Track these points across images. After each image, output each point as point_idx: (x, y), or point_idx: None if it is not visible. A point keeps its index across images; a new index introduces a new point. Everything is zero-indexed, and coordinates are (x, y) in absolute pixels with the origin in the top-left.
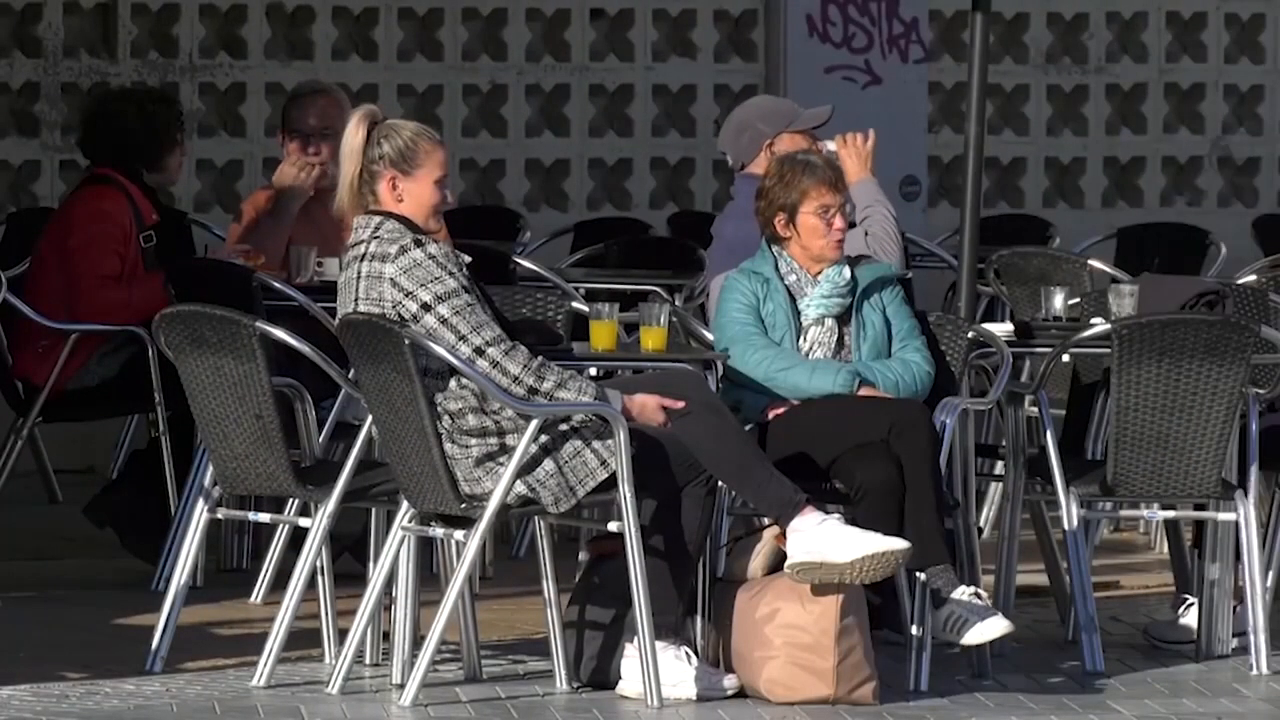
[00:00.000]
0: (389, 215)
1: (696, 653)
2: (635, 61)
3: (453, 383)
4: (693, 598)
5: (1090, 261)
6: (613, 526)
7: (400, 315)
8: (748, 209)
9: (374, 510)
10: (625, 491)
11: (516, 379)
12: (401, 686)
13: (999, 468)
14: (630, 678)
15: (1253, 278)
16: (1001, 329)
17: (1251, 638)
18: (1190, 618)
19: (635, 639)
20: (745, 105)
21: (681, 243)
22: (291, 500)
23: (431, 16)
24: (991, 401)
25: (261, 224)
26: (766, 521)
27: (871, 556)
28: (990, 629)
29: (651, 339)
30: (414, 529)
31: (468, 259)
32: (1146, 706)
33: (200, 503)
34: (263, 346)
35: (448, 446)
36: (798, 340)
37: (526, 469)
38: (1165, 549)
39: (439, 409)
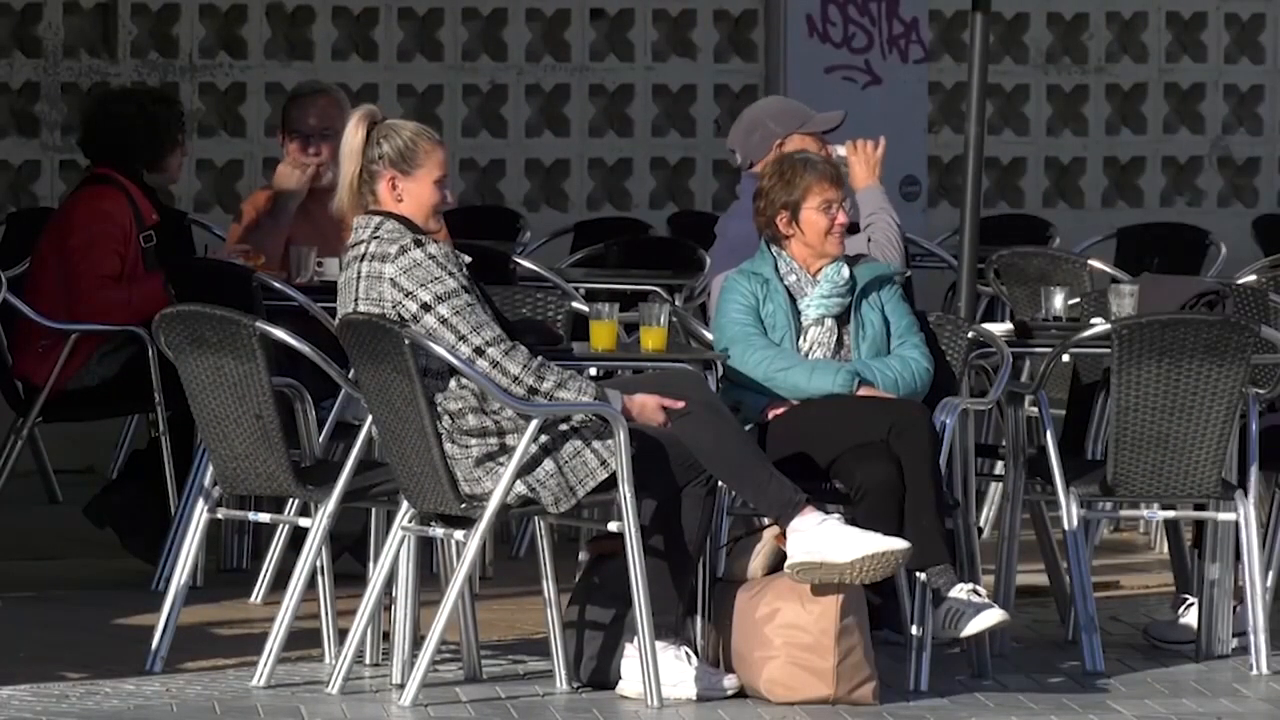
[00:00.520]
0: (389, 215)
1: (696, 653)
2: (635, 61)
3: (453, 383)
4: (693, 598)
5: (1090, 261)
6: (613, 526)
7: (400, 315)
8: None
9: (374, 510)
10: (625, 491)
11: (516, 379)
12: (401, 686)
13: (999, 468)
14: (630, 678)
15: (1253, 278)
16: (1001, 329)
17: (1251, 638)
18: (1190, 618)
19: (635, 639)
20: (757, 104)
21: (681, 243)
22: (291, 500)
23: (431, 16)
24: (991, 401)
25: (261, 224)
26: (766, 521)
27: (871, 556)
28: (986, 619)
29: (651, 339)
30: (414, 529)
31: (468, 259)
32: (1146, 706)
33: (200, 503)
34: (263, 346)
35: (448, 446)
36: (797, 340)
37: (526, 469)
38: (1165, 549)
39: (439, 409)
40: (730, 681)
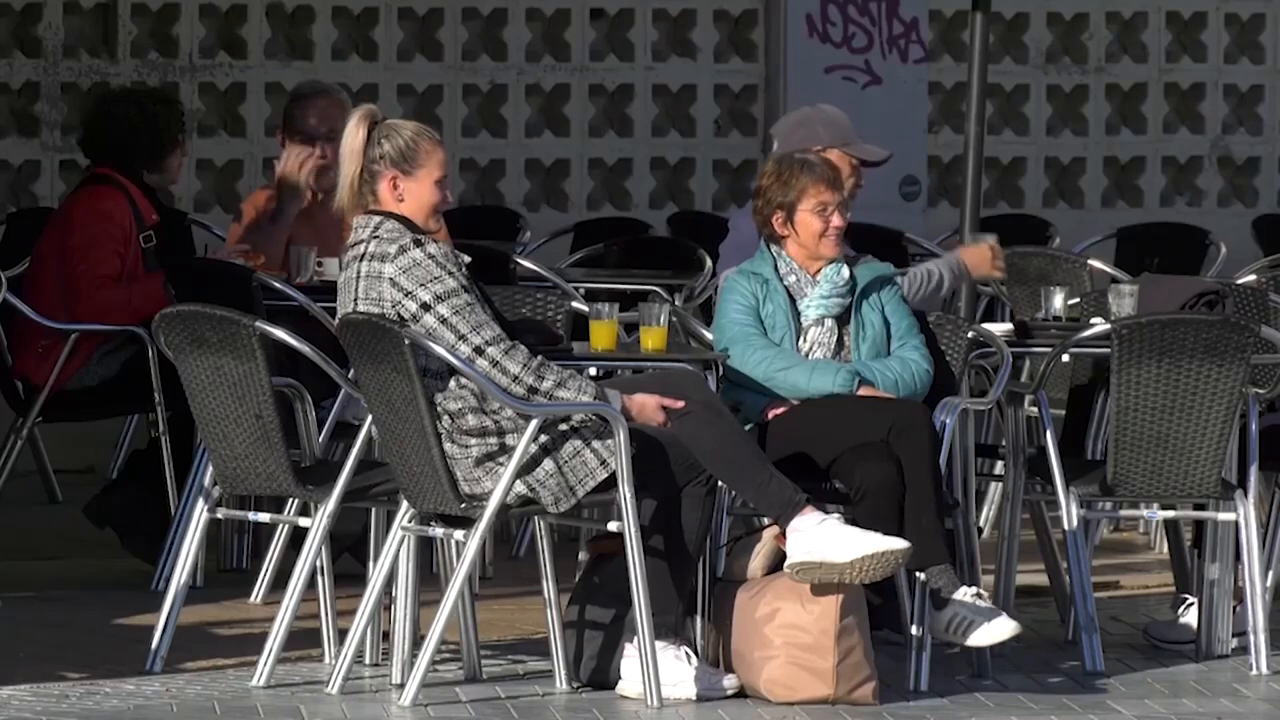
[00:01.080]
0: (389, 215)
1: (696, 653)
2: (635, 61)
3: (452, 382)
4: (693, 598)
5: (1090, 261)
6: (613, 526)
7: (400, 315)
8: None
9: (374, 510)
10: (625, 491)
11: (516, 378)
12: (401, 686)
13: (999, 468)
14: (630, 678)
15: (1253, 278)
16: (1001, 329)
17: (1251, 638)
18: (1190, 618)
19: (635, 639)
20: (816, 107)
21: (681, 243)
22: (291, 500)
23: (431, 16)
24: (991, 401)
25: (261, 225)
26: (766, 521)
27: (871, 556)
28: (998, 630)
29: (651, 339)
30: (414, 529)
31: (468, 259)
32: (1146, 706)
33: (200, 503)
34: (263, 346)
35: (448, 446)
36: (797, 341)
37: (526, 469)
38: (1165, 549)
39: (439, 409)
40: (730, 681)
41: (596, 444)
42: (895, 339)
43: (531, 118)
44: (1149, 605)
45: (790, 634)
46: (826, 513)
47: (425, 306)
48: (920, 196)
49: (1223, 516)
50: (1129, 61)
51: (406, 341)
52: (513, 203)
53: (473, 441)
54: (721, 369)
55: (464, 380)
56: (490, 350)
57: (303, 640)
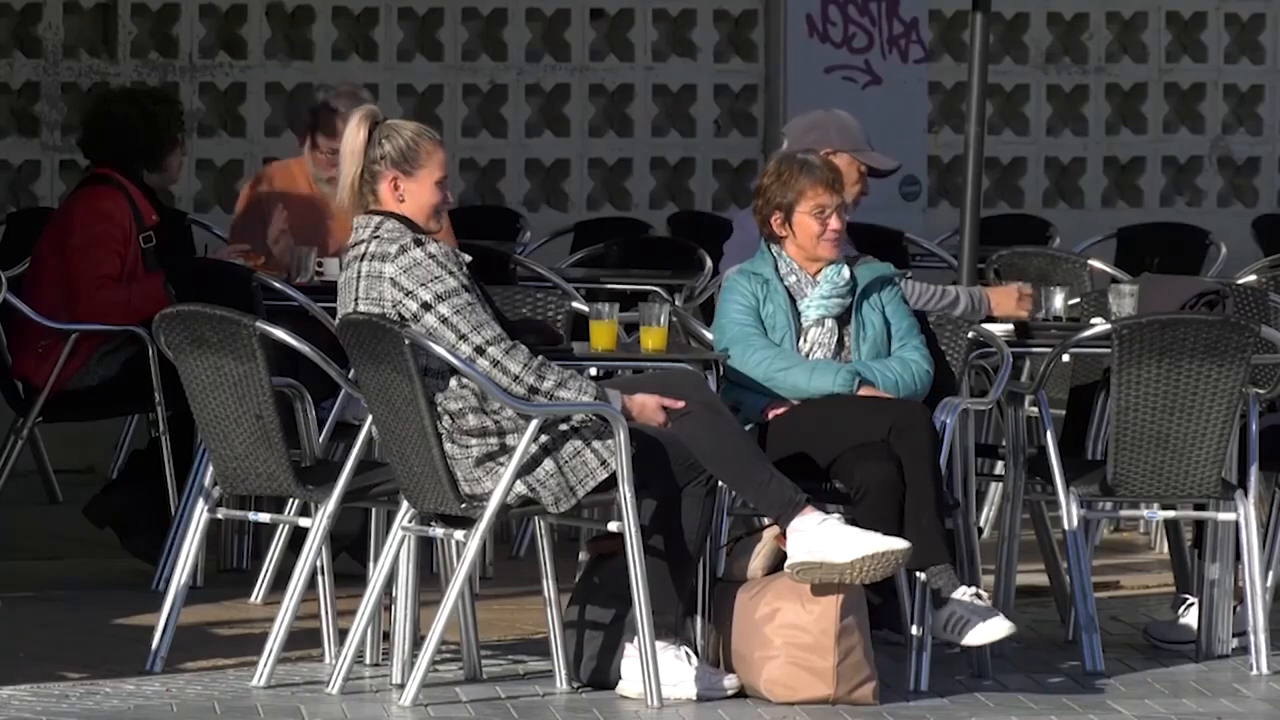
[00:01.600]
0: (389, 215)
1: (696, 653)
2: (635, 61)
3: (453, 382)
4: (693, 598)
5: (1090, 261)
6: (613, 526)
7: (400, 315)
8: None
9: (374, 510)
10: (625, 491)
11: (517, 378)
12: (401, 686)
13: (999, 468)
14: (630, 678)
15: (1253, 278)
16: (1001, 329)
17: (1251, 638)
18: (1190, 618)
19: (635, 639)
20: (831, 111)
21: (681, 243)
22: (291, 500)
23: (431, 16)
24: (991, 401)
25: (252, 228)
26: (766, 521)
27: (871, 556)
28: (992, 630)
29: (651, 339)
30: (414, 529)
31: (468, 258)
32: (1146, 706)
33: (200, 503)
34: (263, 346)
35: (448, 446)
36: (798, 341)
37: (526, 469)
38: (1165, 549)
39: (439, 409)
40: (730, 681)
41: (597, 444)
42: (895, 339)
43: (531, 118)
44: (1149, 605)
45: (790, 634)
46: (827, 513)
47: (426, 306)
48: (920, 196)
49: (1223, 516)
50: (1129, 61)
51: (407, 341)
52: (513, 203)
53: (473, 441)
54: (721, 369)
55: (464, 380)
56: (491, 350)
57: (303, 640)
